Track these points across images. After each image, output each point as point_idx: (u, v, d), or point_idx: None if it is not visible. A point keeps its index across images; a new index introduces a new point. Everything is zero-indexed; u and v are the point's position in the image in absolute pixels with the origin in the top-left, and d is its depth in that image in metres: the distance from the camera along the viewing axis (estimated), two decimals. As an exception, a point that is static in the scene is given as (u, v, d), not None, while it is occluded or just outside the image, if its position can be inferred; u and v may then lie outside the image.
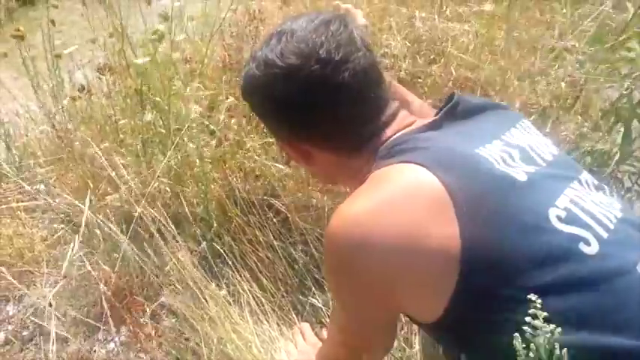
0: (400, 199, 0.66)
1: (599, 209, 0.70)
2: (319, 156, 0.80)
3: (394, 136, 0.79)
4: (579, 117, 1.45)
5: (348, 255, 0.66)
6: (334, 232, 0.68)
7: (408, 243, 0.63)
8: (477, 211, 0.63)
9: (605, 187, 0.78)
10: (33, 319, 1.37)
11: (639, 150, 1.55)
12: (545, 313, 0.56)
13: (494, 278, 0.62)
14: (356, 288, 0.69)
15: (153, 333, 1.03)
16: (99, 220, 1.43)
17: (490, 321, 0.64)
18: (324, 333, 1.24)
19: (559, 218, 0.65)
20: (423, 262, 0.64)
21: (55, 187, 1.77)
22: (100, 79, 1.89)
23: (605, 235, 0.67)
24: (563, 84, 1.45)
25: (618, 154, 1.41)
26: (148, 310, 1.08)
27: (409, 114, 0.82)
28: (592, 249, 0.64)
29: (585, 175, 0.77)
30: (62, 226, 1.56)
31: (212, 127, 1.57)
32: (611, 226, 0.69)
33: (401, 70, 1.62)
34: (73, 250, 1.32)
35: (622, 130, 1.48)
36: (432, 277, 0.64)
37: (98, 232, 1.50)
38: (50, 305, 1.15)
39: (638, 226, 0.73)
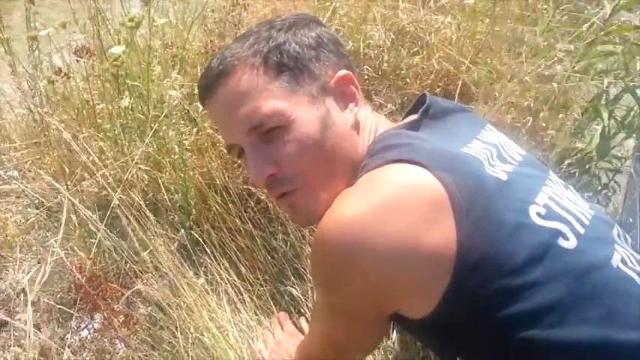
0: (397, 201, 0.65)
1: (574, 206, 0.73)
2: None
3: (380, 132, 0.79)
4: (560, 115, 1.46)
5: (343, 259, 0.65)
6: (327, 234, 0.66)
7: (406, 247, 0.63)
8: (470, 211, 0.63)
9: (570, 186, 0.81)
10: (5, 305, 1.34)
11: (616, 148, 1.58)
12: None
13: (483, 277, 0.63)
14: (348, 291, 0.68)
15: (128, 320, 1.01)
16: (75, 206, 1.41)
17: (479, 318, 0.64)
18: (303, 322, 1.23)
19: (539, 215, 0.67)
20: (419, 265, 0.64)
21: (29, 172, 1.74)
22: (77, 61, 1.85)
23: (581, 230, 0.68)
24: (536, 84, 1.46)
25: (595, 152, 1.44)
26: (122, 297, 1.06)
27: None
28: (570, 244, 0.66)
29: (553, 175, 0.80)
30: (36, 211, 1.53)
31: (192, 114, 1.55)
32: (587, 222, 0.71)
33: (383, 62, 1.62)
34: (49, 235, 1.30)
35: (598, 127, 1.50)
36: (426, 279, 0.65)
37: (74, 217, 1.47)
38: (23, 291, 1.13)
39: (608, 223, 0.76)
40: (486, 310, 0.63)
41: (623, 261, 0.68)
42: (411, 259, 0.64)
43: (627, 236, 0.78)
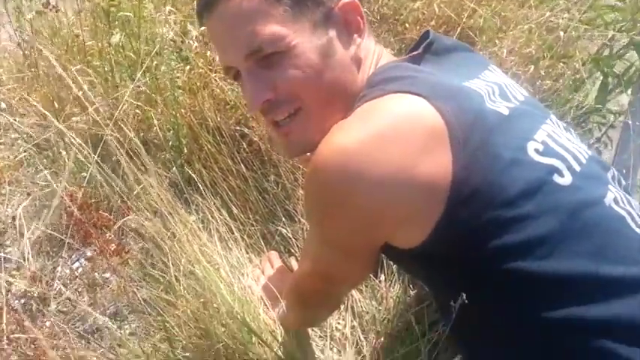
0: (395, 131, 0.64)
1: (572, 145, 0.74)
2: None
3: (381, 65, 0.78)
4: (560, 65, 1.45)
5: (339, 187, 0.64)
6: (324, 162, 0.65)
7: (402, 176, 0.63)
8: (467, 143, 0.63)
9: (571, 129, 0.81)
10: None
11: (612, 102, 1.58)
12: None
13: (476, 208, 0.63)
14: (343, 220, 0.68)
15: (119, 249, 1.02)
16: (65, 141, 1.39)
17: (470, 248, 0.65)
18: (293, 262, 1.25)
19: (537, 151, 0.67)
20: (414, 195, 0.64)
21: (18, 109, 1.71)
22: (67, -5, 1.79)
23: (577, 168, 0.69)
24: (540, 32, 1.44)
25: (593, 103, 1.43)
26: (114, 225, 1.06)
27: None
28: (565, 180, 0.66)
29: (553, 116, 0.80)
30: (25, 144, 1.51)
31: (185, 52, 1.52)
32: (584, 161, 0.72)
33: (383, 6, 1.59)
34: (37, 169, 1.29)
35: (598, 79, 1.49)
36: (421, 208, 0.65)
37: (64, 153, 1.46)
38: (14, 221, 1.12)
39: (604, 165, 0.77)
40: (477, 241, 0.64)
41: (615, 200, 0.70)
42: (406, 189, 0.64)
43: (622, 180, 0.79)
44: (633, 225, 0.68)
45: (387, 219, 0.67)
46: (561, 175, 0.67)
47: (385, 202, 0.65)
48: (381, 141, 0.63)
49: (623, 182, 0.80)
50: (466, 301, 0.64)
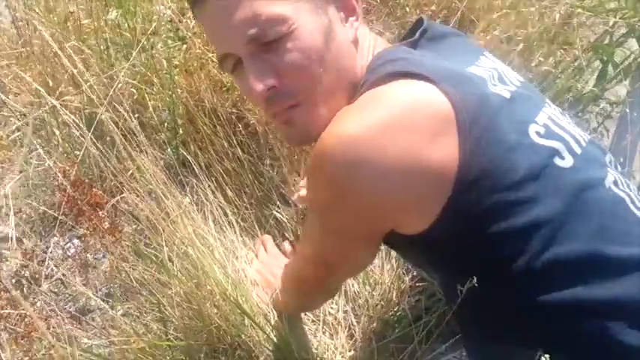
0: (402, 118, 0.62)
1: (572, 127, 0.73)
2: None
3: (379, 51, 0.77)
4: (559, 52, 1.44)
5: (343, 176, 0.63)
6: (328, 151, 0.63)
7: (409, 164, 0.62)
8: (473, 127, 0.63)
9: (567, 115, 0.82)
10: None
11: (609, 91, 1.57)
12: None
13: (481, 193, 0.63)
14: (347, 209, 0.67)
15: (113, 228, 1.01)
16: (58, 119, 1.38)
17: (474, 233, 0.65)
18: (286, 245, 1.24)
19: (538, 134, 0.67)
20: (421, 182, 0.63)
21: (12, 88, 1.68)
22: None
23: (578, 150, 0.70)
24: (538, 17, 1.42)
25: (590, 93, 1.43)
26: (108, 204, 1.04)
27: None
28: (566, 162, 0.67)
29: (549, 101, 0.80)
30: (18, 122, 1.49)
31: (182, 32, 1.50)
32: (584, 144, 0.72)
33: (383, -11, 1.57)
34: (29, 147, 1.27)
35: (597, 68, 1.48)
36: (427, 196, 0.64)
37: (57, 132, 1.44)
38: (5, 199, 1.11)
39: (601, 149, 0.78)
40: (482, 224, 0.64)
41: (615, 183, 0.70)
42: (413, 177, 0.63)
43: (618, 165, 0.80)
44: (633, 207, 0.69)
45: (393, 207, 0.66)
46: (562, 157, 0.67)
47: (391, 191, 0.64)
48: (387, 128, 0.62)
49: (619, 168, 0.80)
50: (476, 285, 0.64)
